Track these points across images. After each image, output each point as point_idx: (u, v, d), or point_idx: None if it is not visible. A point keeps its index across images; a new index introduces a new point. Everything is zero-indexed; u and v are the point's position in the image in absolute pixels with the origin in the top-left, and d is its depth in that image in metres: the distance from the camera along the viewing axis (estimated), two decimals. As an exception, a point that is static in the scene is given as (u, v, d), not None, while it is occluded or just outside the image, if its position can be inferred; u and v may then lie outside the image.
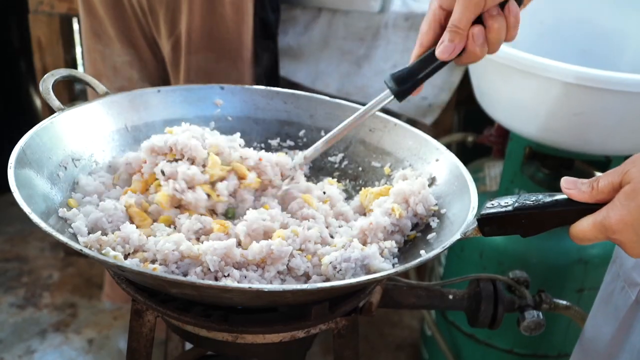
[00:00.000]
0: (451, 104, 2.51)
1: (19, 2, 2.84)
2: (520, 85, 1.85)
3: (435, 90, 2.46)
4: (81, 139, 1.29)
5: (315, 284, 1.06)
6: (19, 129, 3.33)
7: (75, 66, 2.88)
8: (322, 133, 1.45)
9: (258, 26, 2.12)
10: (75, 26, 2.88)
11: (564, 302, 1.53)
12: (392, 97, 1.26)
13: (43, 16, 2.61)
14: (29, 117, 3.41)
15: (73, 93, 2.86)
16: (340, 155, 1.44)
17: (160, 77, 2.24)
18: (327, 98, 1.48)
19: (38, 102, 3.32)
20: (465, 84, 2.35)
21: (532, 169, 2.10)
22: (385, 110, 1.42)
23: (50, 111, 2.78)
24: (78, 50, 2.92)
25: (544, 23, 2.26)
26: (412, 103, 2.48)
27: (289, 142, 1.47)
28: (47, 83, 1.30)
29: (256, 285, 0.96)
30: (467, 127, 2.61)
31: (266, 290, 0.95)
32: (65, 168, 1.23)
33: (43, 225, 0.99)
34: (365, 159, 1.41)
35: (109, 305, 2.77)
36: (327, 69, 2.46)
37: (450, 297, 1.41)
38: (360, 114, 1.29)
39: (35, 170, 1.16)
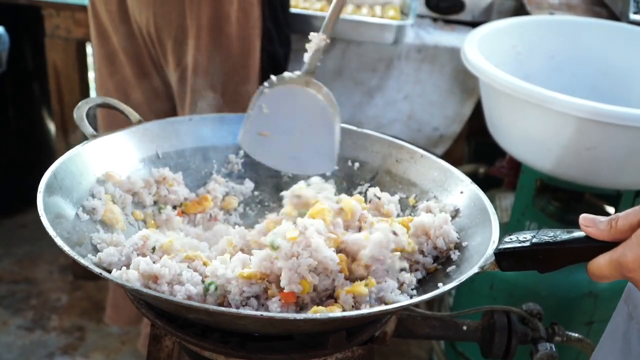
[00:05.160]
0: (462, 135, 2.53)
1: (34, 26, 2.88)
2: (533, 119, 1.87)
3: (447, 121, 2.49)
4: (112, 165, 1.31)
5: (327, 313, 1.05)
6: (32, 153, 3.35)
7: (88, 90, 2.91)
8: (349, 163, 1.46)
9: (266, 61, 2.14)
10: (89, 50, 2.91)
11: (576, 335, 1.53)
12: None
13: (59, 40, 2.65)
14: (43, 141, 3.44)
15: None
16: (367, 185, 1.45)
17: (170, 104, 2.26)
18: (355, 128, 1.49)
19: (52, 126, 3.35)
20: (476, 115, 2.37)
21: (543, 201, 2.11)
22: (397, 139, 1.45)
23: (64, 136, 2.81)
24: (91, 75, 2.95)
25: (556, 58, 2.29)
26: (424, 133, 2.50)
27: None
28: (81, 110, 1.32)
29: (268, 313, 0.97)
30: (479, 159, 2.63)
31: (278, 317, 0.97)
32: (94, 195, 1.25)
33: (67, 249, 1.02)
34: (391, 189, 1.41)
35: (117, 329, 2.78)
36: (339, 98, 2.45)
37: (464, 328, 1.42)
38: None
39: (64, 195, 1.18)
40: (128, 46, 2.15)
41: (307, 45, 1.35)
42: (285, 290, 1.07)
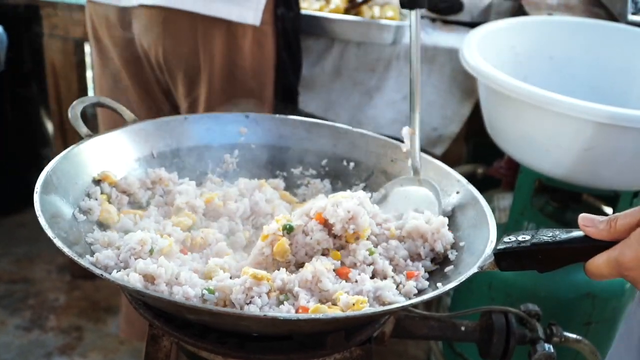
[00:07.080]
0: (461, 135, 2.53)
1: (32, 26, 2.87)
2: (531, 120, 1.87)
3: (446, 121, 2.48)
4: (108, 165, 1.31)
5: (329, 313, 1.05)
6: (31, 152, 3.34)
7: (86, 90, 2.91)
8: (344, 162, 1.46)
9: (280, 91, 2.14)
10: (87, 49, 2.91)
11: (574, 336, 1.53)
12: None
13: (58, 40, 2.64)
14: (41, 140, 3.44)
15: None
16: (362, 185, 1.44)
17: None
18: (350, 128, 1.49)
19: (50, 126, 3.35)
20: (475, 115, 2.37)
21: (541, 201, 2.11)
22: (398, 140, 1.44)
23: (62, 135, 2.80)
24: (89, 74, 2.95)
25: (554, 59, 2.29)
26: (423, 133, 2.49)
27: (312, 171, 1.48)
28: (75, 110, 1.32)
29: (271, 313, 0.97)
30: (477, 159, 2.63)
31: (281, 318, 0.97)
32: (89, 195, 1.25)
33: (66, 250, 1.01)
34: None
35: (114, 328, 2.77)
36: (338, 99, 2.49)
37: (463, 328, 1.42)
38: None
39: (61, 195, 1.17)
40: (134, 72, 2.14)
41: (405, 146, 1.40)
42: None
